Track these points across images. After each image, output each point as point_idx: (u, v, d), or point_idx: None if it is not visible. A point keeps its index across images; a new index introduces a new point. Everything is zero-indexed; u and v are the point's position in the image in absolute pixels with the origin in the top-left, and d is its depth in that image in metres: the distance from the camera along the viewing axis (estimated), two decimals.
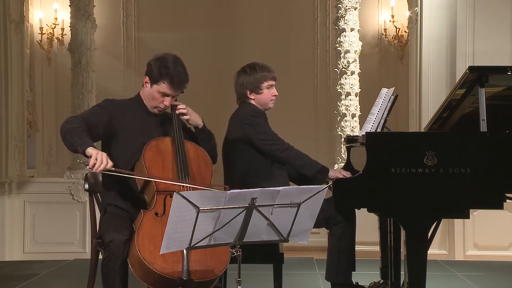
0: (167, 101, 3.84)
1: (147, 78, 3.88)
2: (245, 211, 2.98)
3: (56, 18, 8.98)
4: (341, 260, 4.22)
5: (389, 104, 4.47)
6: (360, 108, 7.23)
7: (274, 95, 4.47)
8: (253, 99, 4.43)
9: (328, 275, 4.31)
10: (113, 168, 3.53)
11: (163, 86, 3.81)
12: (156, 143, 3.79)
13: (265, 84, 4.42)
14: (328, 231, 4.30)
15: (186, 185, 3.67)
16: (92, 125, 3.72)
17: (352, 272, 4.33)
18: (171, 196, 3.59)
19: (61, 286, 5.90)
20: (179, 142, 3.80)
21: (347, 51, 7.19)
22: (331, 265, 4.26)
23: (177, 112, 3.89)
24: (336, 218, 4.18)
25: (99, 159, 3.46)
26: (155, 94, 3.84)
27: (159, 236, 3.41)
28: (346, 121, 7.17)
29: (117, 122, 3.84)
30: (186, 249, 3.10)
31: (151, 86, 3.86)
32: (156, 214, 3.59)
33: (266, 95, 4.43)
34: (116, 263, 3.49)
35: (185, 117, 3.91)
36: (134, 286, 3.70)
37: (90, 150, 3.50)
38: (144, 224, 3.52)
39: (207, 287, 3.47)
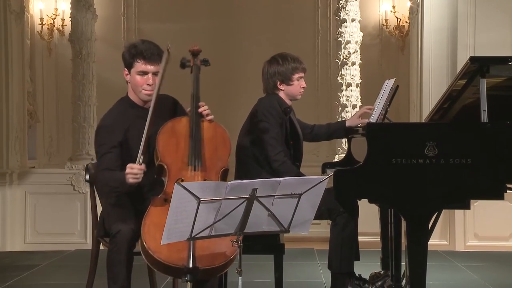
0: (149, 79, 3.75)
1: (125, 70, 3.84)
2: (246, 202, 2.98)
3: (56, 9, 8.97)
4: (343, 250, 4.23)
5: (390, 95, 4.47)
6: (361, 99, 7.23)
7: (303, 87, 4.48)
8: (283, 90, 4.43)
9: (330, 264, 4.32)
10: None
11: (139, 65, 3.76)
12: (172, 125, 3.72)
13: (296, 75, 4.42)
14: (330, 222, 4.31)
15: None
16: (112, 147, 3.71)
17: (355, 262, 4.35)
18: (182, 181, 3.54)
19: (62, 277, 5.91)
20: (195, 122, 3.71)
21: (348, 42, 7.19)
22: (333, 254, 4.27)
23: (203, 112, 3.75)
24: (339, 209, 4.18)
25: (133, 174, 3.46)
26: (136, 79, 3.78)
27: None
28: (347, 112, 7.17)
29: (125, 134, 3.77)
30: (187, 239, 3.09)
31: (130, 74, 3.81)
32: (165, 200, 3.52)
33: (296, 87, 4.44)
34: (121, 254, 3.48)
35: (208, 117, 3.78)
36: (138, 277, 3.70)
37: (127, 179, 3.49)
38: (152, 211, 3.47)
39: (216, 274, 3.43)
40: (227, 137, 3.83)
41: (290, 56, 4.45)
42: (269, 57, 4.51)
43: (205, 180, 3.62)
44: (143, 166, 3.46)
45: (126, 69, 3.83)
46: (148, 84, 3.76)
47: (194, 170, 3.64)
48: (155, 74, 3.77)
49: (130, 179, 3.46)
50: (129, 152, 3.71)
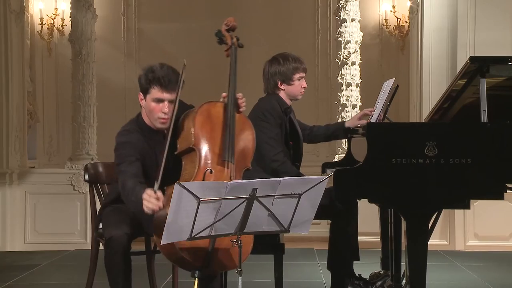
0: (165, 107, 3.56)
1: (141, 95, 3.66)
2: (245, 201, 2.98)
3: (56, 9, 8.97)
4: (343, 250, 4.23)
5: (390, 95, 4.47)
6: (361, 99, 7.23)
7: (304, 87, 4.46)
8: (283, 90, 4.41)
9: (329, 264, 4.32)
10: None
11: (155, 92, 3.58)
12: (208, 108, 3.55)
13: (297, 75, 4.41)
14: (329, 221, 4.31)
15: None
16: (137, 159, 3.56)
17: (354, 262, 4.35)
18: (211, 172, 3.45)
19: (62, 277, 5.91)
20: (231, 113, 3.55)
21: (348, 42, 7.19)
22: (333, 255, 4.27)
23: (240, 104, 3.63)
24: (339, 209, 4.18)
25: (151, 204, 3.22)
26: (151, 105, 3.60)
27: None
28: (347, 112, 7.17)
29: (142, 156, 3.64)
30: (187, 239, 3.07)
31: (145, 99, 3.63)
32: None
33: (297, 87, 4.42)
34: (117, 259, 3.45)
35: (242, 108, 3.68)
36: (138, 277, 3.70)
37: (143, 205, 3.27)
38: None
39: (220, 272, 3.43)
40: (254, 134, 3.72)
41: (291, 56, 4.43)
42: (270, 57, 4.51)
43: (231, 177, 3.51)
44: (160, 199, 3.21)
45: (141, 94, 3.65)
46: (163, 112, 3.59)
47: (225, 165, 3.51)
48: (171, 102, 3.57)
49: (144, 208, 3.24)
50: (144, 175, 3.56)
